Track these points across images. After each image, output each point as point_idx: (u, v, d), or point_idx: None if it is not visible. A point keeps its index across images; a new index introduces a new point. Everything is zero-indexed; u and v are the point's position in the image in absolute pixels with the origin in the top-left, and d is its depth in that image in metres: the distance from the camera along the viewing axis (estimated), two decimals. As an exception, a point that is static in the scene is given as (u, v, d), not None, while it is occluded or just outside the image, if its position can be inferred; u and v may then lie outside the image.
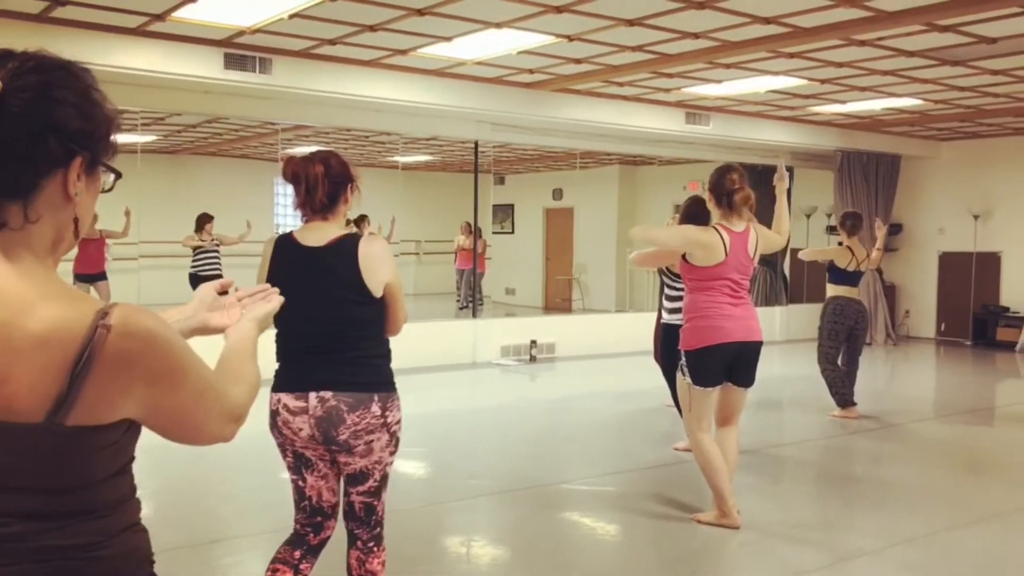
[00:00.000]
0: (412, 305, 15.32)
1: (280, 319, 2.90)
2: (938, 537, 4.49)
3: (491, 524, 4.79)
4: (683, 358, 4.50)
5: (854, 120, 11.94)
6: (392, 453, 2.91)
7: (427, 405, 8.17)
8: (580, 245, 17.35)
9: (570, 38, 7.39)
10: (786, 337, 13.01)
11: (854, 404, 7.47)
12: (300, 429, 2.82)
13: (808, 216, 13.96)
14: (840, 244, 7.59)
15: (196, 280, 11.11)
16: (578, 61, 8.31)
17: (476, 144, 10.40)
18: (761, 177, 14.17)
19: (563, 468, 5.87)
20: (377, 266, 2.84)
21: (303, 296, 2.78)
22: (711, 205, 4.56)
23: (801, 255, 7.77)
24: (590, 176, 16.93)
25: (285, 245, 2.94)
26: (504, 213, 19.48)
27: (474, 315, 10.45)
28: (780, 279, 14.17)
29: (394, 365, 2.93)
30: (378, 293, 2.84)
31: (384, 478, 2.92)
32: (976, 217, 13.05)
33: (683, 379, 4.51)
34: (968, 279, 13.22)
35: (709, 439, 4.53)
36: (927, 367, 11.76)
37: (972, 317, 13.15)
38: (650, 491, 5.22)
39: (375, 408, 2.80)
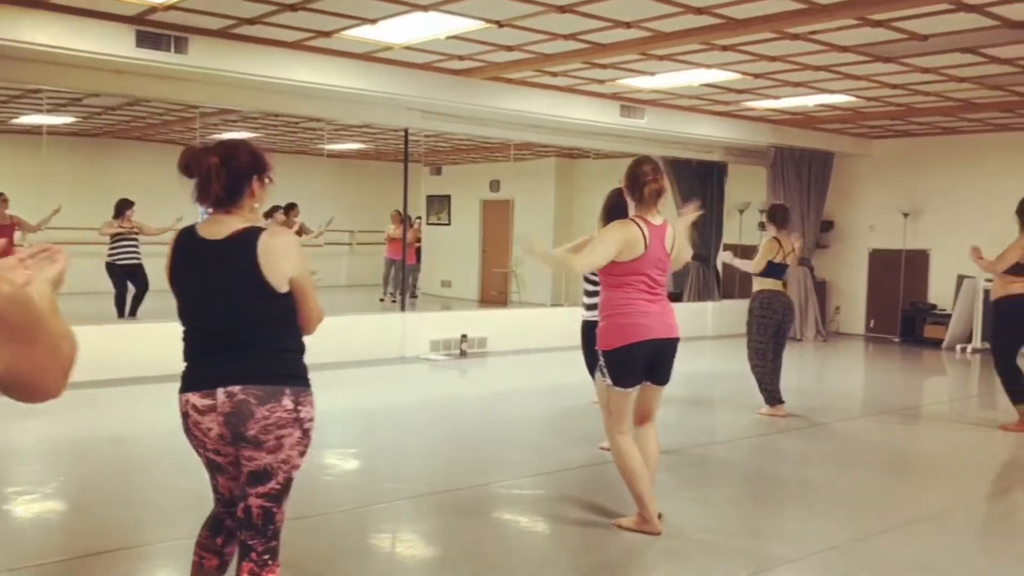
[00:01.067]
0: (345, 297, 15.00)
1: (183, 315, 2.90)
2: (863, 543, 4.39)
3: (408, 531, 4.56)
4: (601, 358, 4.32)
5: (787, 116, 11.93)
6: (301, 454, 2.80)
7: (351, 401, 7.90)
8: (518, 238, 17.17)
9: (500, 24, 7.17)
10: (718, 332, 13.00)
11: (782, 402, 7.39)
12: (209, 429, 2.75)
13: (741, 212, 13.97)
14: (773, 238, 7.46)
15: (113, 269, 10.61)
16: (509, 48, 8.09)
17: (406, 132, 10.12)
18: (696, 173, 14.26)
19: (486, 469, 5.67)
20: (278, 260, 2.74)
21: (204, 291, 2.78)
22: (627, 197, 4.39)
23: (749, 270, 7.54)
24: (527, 168, 16.77)
25: (187, 239, 2.87)
26: (440, 204, 19.20)
27: (402, 308, 10.18)
28: (712, 274, 14.17)
29: (318, 359, 2.82)
30: (281, 288, 2.74)
31: (288, 482, 2.80)
32: (906, 215, 13.17)
33: (602, 380, 4.33)
34: (897, 276, 13.35)
35: (629, 442, 4.36)
36: (855, 364, 11.82)
37: (900, 314, 13.29)
38: (574, 494, 5.04)
39: (287, 402, 2.73)
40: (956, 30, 7.04)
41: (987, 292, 10.20)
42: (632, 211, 4.34)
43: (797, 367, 11.08)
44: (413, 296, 15.05)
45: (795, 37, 7.37)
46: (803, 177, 13.17)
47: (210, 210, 2.83)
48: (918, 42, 7.38)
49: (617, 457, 4.36)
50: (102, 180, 13.86)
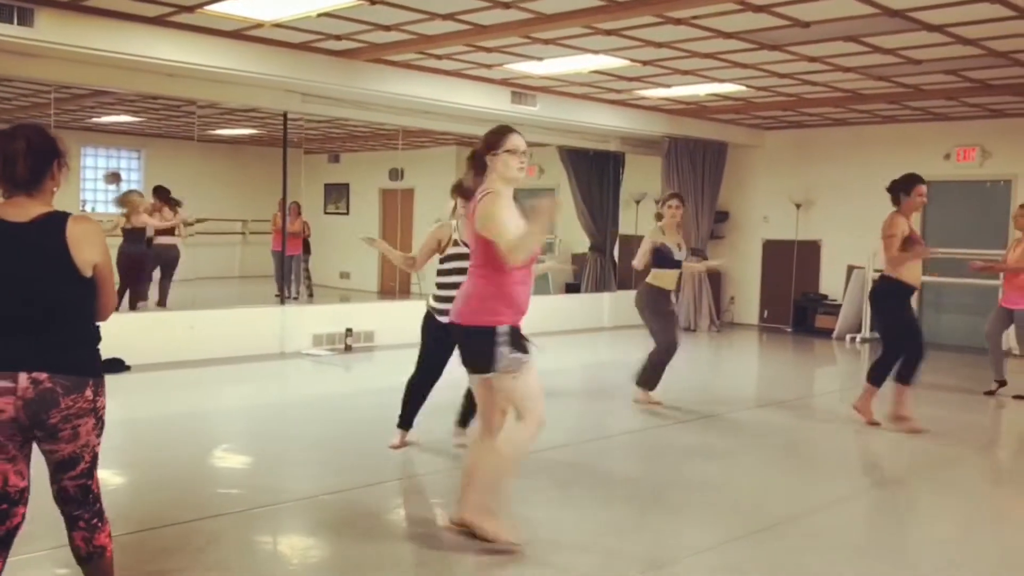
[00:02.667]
0: (238, 289, 14.31)
1: None
2: (739, 543, 4.19)
3: (212, 553, 4.16)
4: (499, 335, 3.89)
5: (681, 106, 11.83)
6: (99, 435, 2.93)
7: (210, 400, 7.44)
8: (420, 227, 16.72)
9: (372, 1, 6.79)
10: (615, 323, 12.86)
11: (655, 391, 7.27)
12: (1, 411, 2.75)
13: (638, 202, 13.89)
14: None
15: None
16: (387, 28, 7.70)
17: (285, 116, 9.63)
18: (593, 163, 14.09)
19: (331, 474, 5.30)
20: (84, 245, 2.82)
21: (7, 273, 2.79)
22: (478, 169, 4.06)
23: (635, 265, 7.35)
24: (428, 156, 16.37)
25: None
26: (339, 193, 18.66)
27: (282, 302, 9.70)
28: (609, 264, 14.05)
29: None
30: (86, 272, 2.83)
31: (95, 458, 2.94)
32: (798, 206, 13.26)
33: (508, 374, 3.85)
34: (790, 267, 13.43)
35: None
36: (746, 354, 11.82)
37: (793, 304, 13.38)
38: (423, 501, 4.73)
39: (88, 393, 2.83)
40: (837, 17, 6.95)
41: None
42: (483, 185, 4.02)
43: (689, 357, 11.00)
44: (309, 291, 14.35)
45: (679, 22, 7.18)
46: (697, 167, 13.13)
47: (5, 194, 2.86)
48: (801, 29, 7.28)
49: (514, 455, 4.00)
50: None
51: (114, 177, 15.28)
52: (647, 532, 4.40)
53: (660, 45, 8.06)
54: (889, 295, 6.60)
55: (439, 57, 8.93)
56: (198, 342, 8.82)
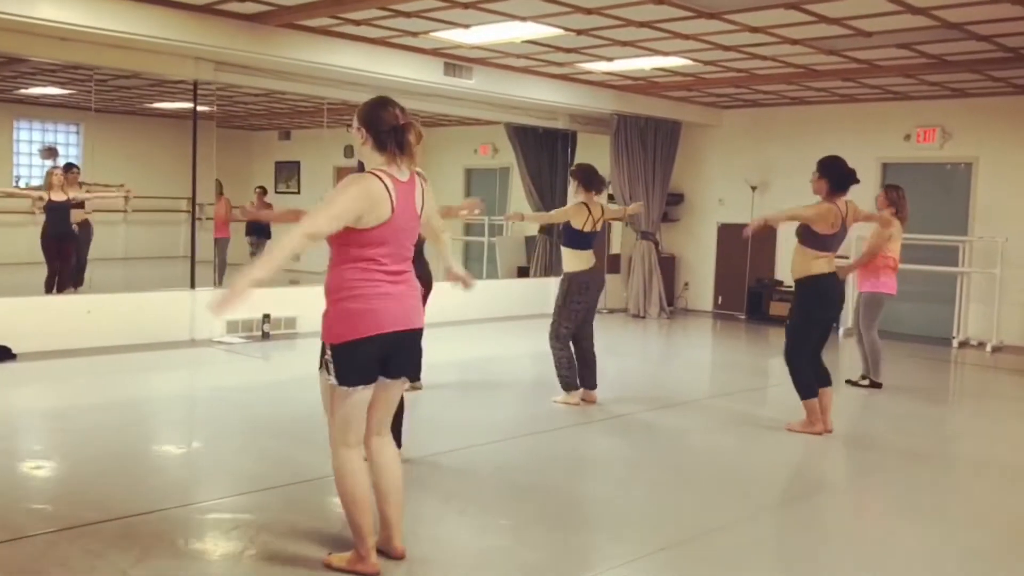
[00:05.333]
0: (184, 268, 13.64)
1: None
2: (640, 563, 3.65)
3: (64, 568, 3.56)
4: (328, 352, 3.41)
5: (629, 81, 11.24)
6: None
7: (104, 392, 6.83)
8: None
9: (262, -45, 6.16)
10: (561, 310, 12.27)
11: (578, 388, 6.68)
12: None
13: (589, 182, 13.28)
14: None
15: None
16: (288, -12, 7.09)
17: (195, 85, 8.94)
18: (543, 141, 13.49)
19: (209, 482, 4.73)
20: None
21: None
22: (366, 148, 3.46)
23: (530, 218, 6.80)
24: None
25: None
26: (289, 171, 18.00)
27: (192, 285, 9.05)
28: (558, 248, 13.45)
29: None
30: None
31: None
32: (754, 188, 12.72)
33: (326, 377, 3.43)
34: (744, 252, 12.91)
35: (357, 460, 3.48)
36: (692, 344, 11.27)
37: (747, 291, 12.87)
38: (294, 516, 4.16)
39: None
40: (773, -19, 6.39)
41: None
42: (374, 164, 3.41)
43: (630, 348, 10.48)
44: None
45: (602, -16, 6.60)
46: (648, 147, 12.55)
47: None
48: (736, -6, 6.71)
49: (340, 479, 3.47)
50: None
51: (50, 152, 14.62)
52: (545, 550, 3.83)
53: (590, 11, 7.45)
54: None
55: (357, 23, 8.29)
56: (96, 328, 8.20)
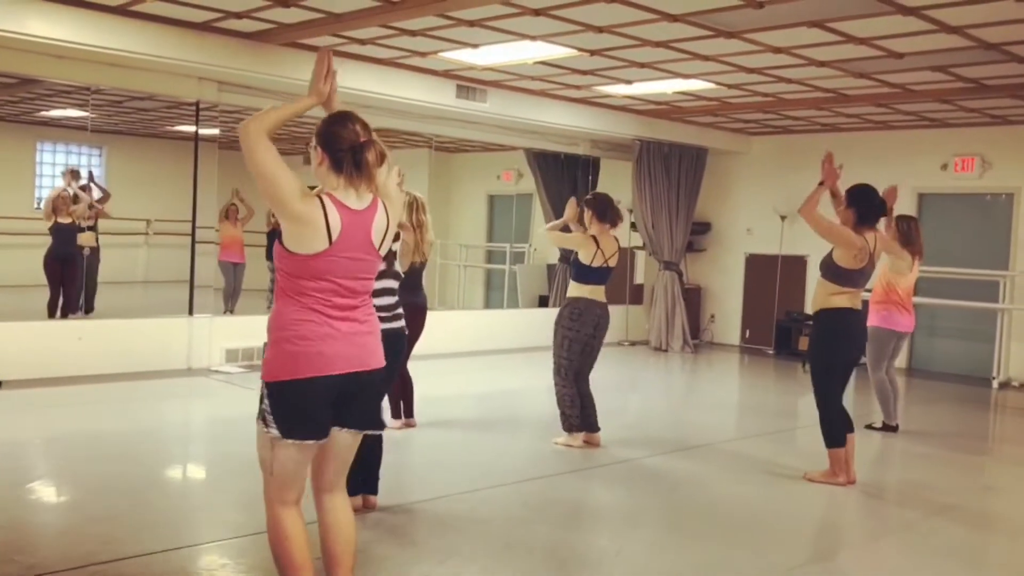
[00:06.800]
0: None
1: None
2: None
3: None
4: (265, 397, 3.03)
5: (651, 105, 10.84)
6: None
7: (80, 424, 6.48)
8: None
9: (252, -32, 5.88)
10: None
11: (581, 430, 6.22)
12: None
13: (611, 210, 12.86)
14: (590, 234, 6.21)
15: None
16: (285, 4, 6.78)
17: (197, 105, 8.69)
18: (564, 167, 13.10)
19: (194, 526, 4.35)
20: None
21: None
22: (322, 169, 3.09)
23: (543, 231, 6.38)
24: (399, 159, 15.42)
25: None
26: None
27: (190, 311, 8.75)
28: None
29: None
30: None
31: None
32: (783, 218, 12.21)
33: (262, 428, 3.04)
34: (774, 284, 12.38)
35: (296, 520, 3.06)
36: (714, 381, 10.73)
37: (776, 324, 12.32)
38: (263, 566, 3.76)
39: None
40: (794, -4, 5.97)
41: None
42: (329, 186, 3.02)
43: (648, 383, 10.00)
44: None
45: (611, 0, 6.21)
46: (672, 173, 12.11)
47: None
48: (755, 10, 6.28)
49: (275, 542, 3.06)
50: None
51: (73, 175, 14.56)
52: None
53: (601, 30, 7.07)
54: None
55: (362, 42, 7.99)
56: (88, 356, 7.91)
